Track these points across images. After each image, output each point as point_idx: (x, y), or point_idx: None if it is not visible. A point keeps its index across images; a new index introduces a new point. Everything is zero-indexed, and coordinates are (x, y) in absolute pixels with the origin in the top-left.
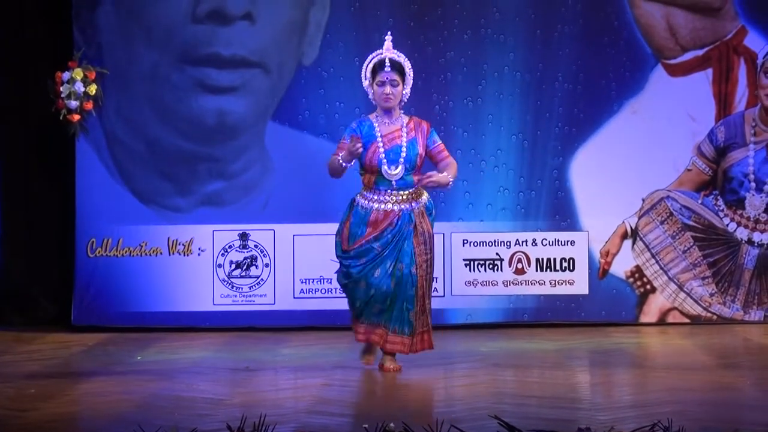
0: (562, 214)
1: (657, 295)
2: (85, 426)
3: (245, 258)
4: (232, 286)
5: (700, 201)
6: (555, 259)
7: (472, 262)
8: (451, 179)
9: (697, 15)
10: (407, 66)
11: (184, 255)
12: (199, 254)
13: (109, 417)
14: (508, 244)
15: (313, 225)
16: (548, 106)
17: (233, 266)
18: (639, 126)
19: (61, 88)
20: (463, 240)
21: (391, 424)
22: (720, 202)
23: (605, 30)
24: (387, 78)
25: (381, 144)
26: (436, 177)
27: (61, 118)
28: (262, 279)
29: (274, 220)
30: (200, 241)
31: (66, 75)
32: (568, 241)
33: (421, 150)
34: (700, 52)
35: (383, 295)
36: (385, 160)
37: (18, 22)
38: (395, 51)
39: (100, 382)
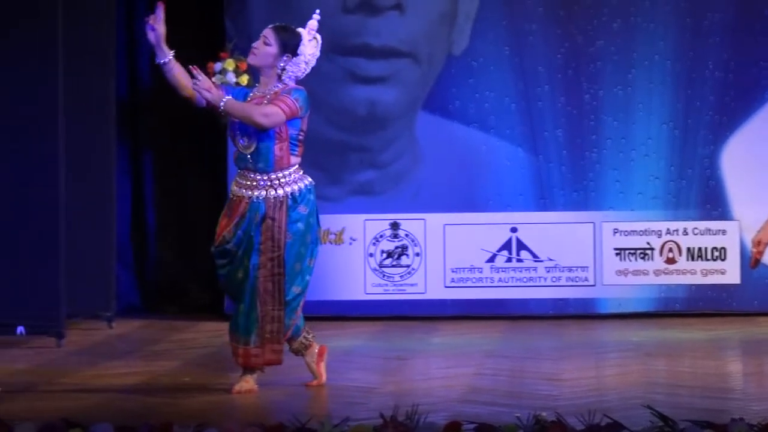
0: (713, 203)
1: None
2: (236, 415)
3: (396, 247)
4: (384, 275)
5: None
6: (706, 249)
7: (622, 252)
8: (225, 103)
9: None
10: (305, 43)
11: (336, 244)
12: (350, 243)
13: (263, 407)
14: (659, 233)
15: (463, 214)
16: (699, 95)
17: (384, 255)
18: None
19: (213, 79)
20: (614, 229)
21: (543, 414)
22: None
23: (756, 18)
24: (262, 34)
25: None
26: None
27: None
28: (413, 268)
29: (424, 210)
30: (351, 230)
31: (218, 66)
32: (719, 231)
33: None
34: None
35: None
36: (238, 131)
37: (173, 13)
38: (313, 31)
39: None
